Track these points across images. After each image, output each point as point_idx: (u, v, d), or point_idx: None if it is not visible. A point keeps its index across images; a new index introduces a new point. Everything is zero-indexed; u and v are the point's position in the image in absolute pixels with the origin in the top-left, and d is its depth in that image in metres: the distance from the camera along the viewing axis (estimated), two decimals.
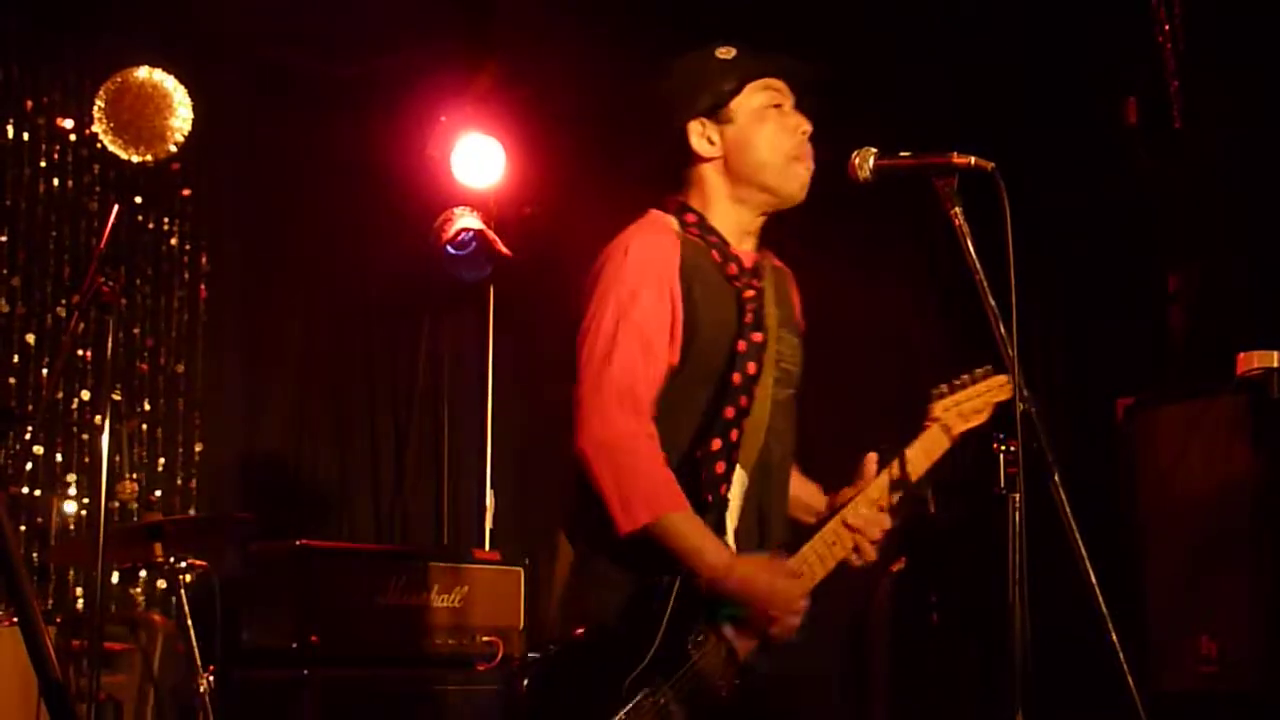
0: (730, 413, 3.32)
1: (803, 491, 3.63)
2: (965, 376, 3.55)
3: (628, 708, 3.13)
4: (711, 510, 3.28)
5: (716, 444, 3.30)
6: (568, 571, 3.39)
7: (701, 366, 3.35)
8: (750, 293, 3.40)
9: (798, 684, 3.33)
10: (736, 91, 3.46)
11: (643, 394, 3.29)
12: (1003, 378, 3.59)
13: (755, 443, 3.35)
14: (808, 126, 3.47)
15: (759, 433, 3.36)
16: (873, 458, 3.42)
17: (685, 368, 3.34)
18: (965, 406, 3.53)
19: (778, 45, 3.51)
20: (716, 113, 3.48)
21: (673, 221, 3.47)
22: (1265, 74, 6.11)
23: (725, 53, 3.49)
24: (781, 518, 3.47)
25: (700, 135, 3.49)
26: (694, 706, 3.18)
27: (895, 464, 3.42)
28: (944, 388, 3.48)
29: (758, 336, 3.37)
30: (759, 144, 3.45)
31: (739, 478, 3.33)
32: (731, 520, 3.31)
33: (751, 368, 3.35)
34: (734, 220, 3.49)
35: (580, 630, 3.27)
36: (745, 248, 3.51)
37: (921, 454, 3.45)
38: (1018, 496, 2.98)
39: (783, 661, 3.30)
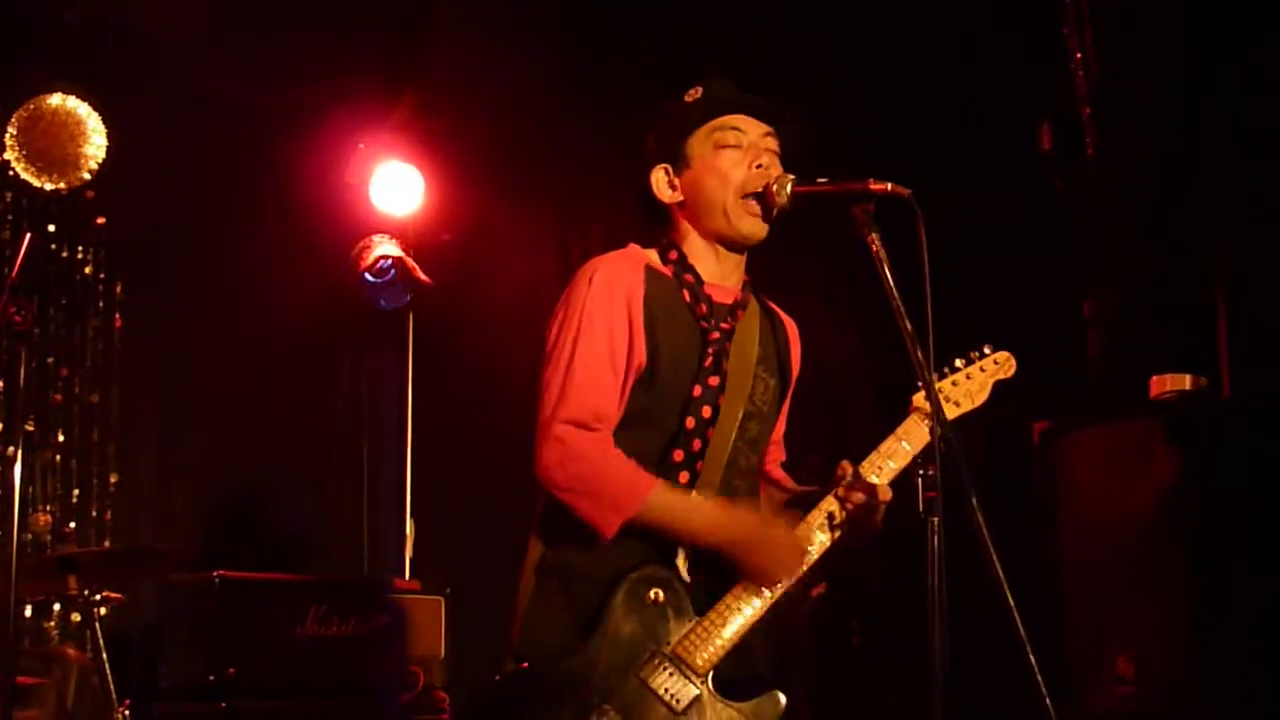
0: (679, 456, 3.35)
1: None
2: (959, 361, 3.55)
3: None
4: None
5: None
6: (532, 579, 3.37)
7: (658, 405, 3.37)
8: (715, 334, 3.42)
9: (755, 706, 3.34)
10: (688, 135, 3.48)
11: (595, 415, 3.30)
12: (1004, 354, 3.63)
13: (711, 482, 3.37)
14: (765, 160, 3.45)
15: (716, 472, 3.38)
16: (846, 465, 3.39)
17: (642, 403, 3.36)
18: (960, 390, 3.53)
19: (753, 80, 3.53)
20: (675, 158, 3.50)
21: (651, 255, 3.50)
22: (1176, 100, 6.19)
23: (692, 94, 3.52)
24: None
25: (664, 183, 3.52)
26: None
27: (881, 449, 3.40)
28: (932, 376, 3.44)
29: (714, 380, 3.39)
30: (709, 184, 3.45)
31: None
32: (682, 558, 3.31)
33: (706, 412, 3.37)
34: (711, 257, 3.50)
35: (525, 664, 3.26)
36: (729, 283, 3.52)
37: (902, 445, 3.41)
38: (936, 520, 3.00)
39: (743, 682, 3.31)
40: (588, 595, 3.26)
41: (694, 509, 3.31)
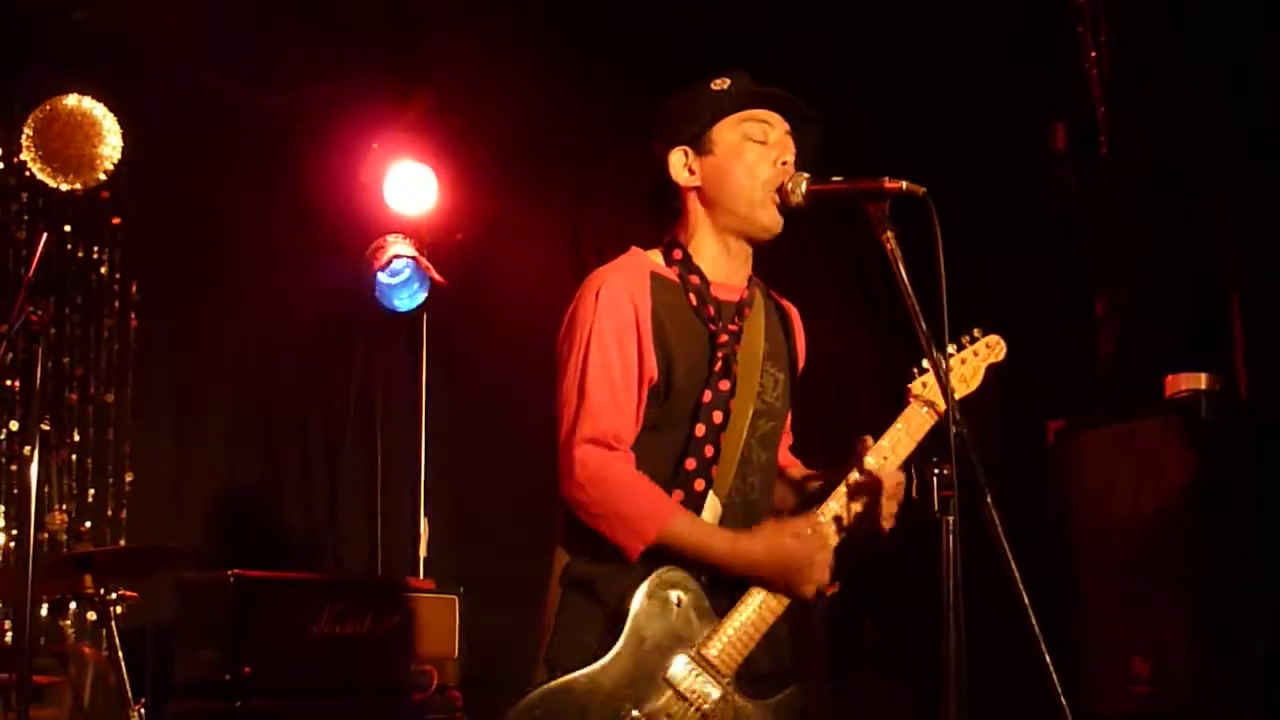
0: (691, 464, 3.35)
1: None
2: (951, 346, 3.52)
3: None
4: None
5: (679, 495, 3.34)
6: (559, 589, 3.38)
7: (670, 414, 3.37)
8: (724, 337, 3.41)
9: (779, 702, 3.34)
10: (715, 121, 3.47)
11: (614, 434, 3.31)
12: (995, 337, 3.63)
13: (725, 484, 3.37)
14: (788, 157, 3.45)
15: (729, 474, 3.38)
16: (868, 440, 3.39)
17: (656, 413, 3.36)
18: (954, 376, 3.52)
19: (777, 77, 3.52)
20: (697, 142, 3.48)
21: (654, 258, 3.49)
22: (1190, 99, 6.18)
23: (720, 84, 3.49)
24: None
25: (681, 165, 3.50)
26: None
27: (884, 437, 3.40)
28: (926, 363, 3.42)
29: (724, 385, 3.38)
30: (735, 174, 3.44)
31: (710, 515, 3.36)
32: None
33: (717, 417, 3.37)
34: (719, 251, 3.49)
35: (556, 673, 3.25)
36: (735, 280, 3.51)
37: (904, 434, 3.42)
38: (951, 519, 3.00)
39: (766, 678, 3.33)
40: (613, 602, 3.27)
41: (710, 540, 3.29)
